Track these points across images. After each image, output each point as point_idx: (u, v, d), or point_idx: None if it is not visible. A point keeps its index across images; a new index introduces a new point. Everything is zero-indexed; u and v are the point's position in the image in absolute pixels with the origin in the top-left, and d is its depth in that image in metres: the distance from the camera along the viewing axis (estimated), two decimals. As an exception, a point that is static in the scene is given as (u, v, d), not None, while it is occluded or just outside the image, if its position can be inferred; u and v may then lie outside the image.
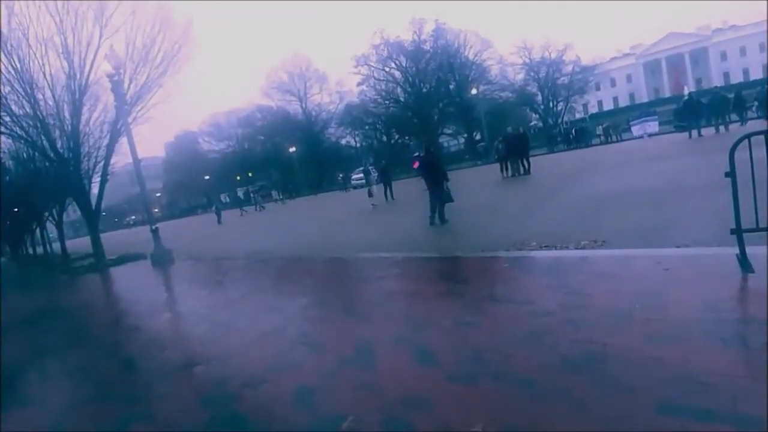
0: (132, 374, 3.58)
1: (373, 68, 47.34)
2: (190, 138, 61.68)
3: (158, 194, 63.20)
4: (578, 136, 30.43)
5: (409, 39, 45.66)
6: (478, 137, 41.89)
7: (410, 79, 46.80)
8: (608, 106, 58.86)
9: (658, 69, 59.42)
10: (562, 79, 46.40)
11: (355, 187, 32.48)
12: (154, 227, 11.04)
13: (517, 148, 14.95)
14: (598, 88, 56.55)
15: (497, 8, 79.21)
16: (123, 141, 12.55)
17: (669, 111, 25.47)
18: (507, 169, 15.16)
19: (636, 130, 26.26)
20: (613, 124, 29.19)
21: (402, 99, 47.71)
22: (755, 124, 14.78)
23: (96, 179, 13.91)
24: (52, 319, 6.75)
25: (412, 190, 13.97)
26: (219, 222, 23.36)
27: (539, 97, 47.10)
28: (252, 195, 38.00)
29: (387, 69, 47.27)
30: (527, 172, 14.86)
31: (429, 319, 3.35)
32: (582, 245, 4.72)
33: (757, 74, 49.32)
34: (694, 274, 3.23)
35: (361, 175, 32.02)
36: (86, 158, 13.65)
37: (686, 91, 25.33)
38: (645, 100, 54.26)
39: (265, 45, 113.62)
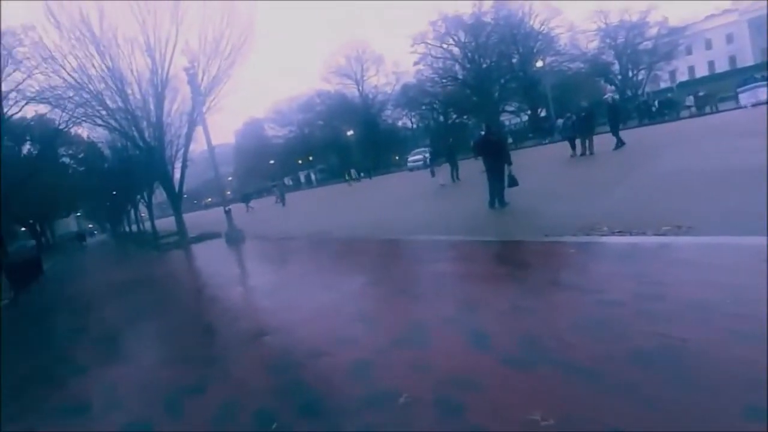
0: (211, 336, 4.05)
1: (430, 46, 46.08)
2: (256, 125, 65.27)
3: (230, 178, 68.07)
4: (662, 108, 27.22)
5: (469, 12, 43.57)
6: (543, 114, 39.25)
7: (469, 54, 44.80)
8: (702, 72, 51.57)
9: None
10: (644, 44, 41.34)
11: (411, 170, 32.19)
12: (227, 209, 12.00)
13: (588, 125, 13.84)
14: (689, 52, 49.64)
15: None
16: (198, 129, 13.75)
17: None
18: (577, 146, 14.10)
19: (745, 98, 22.04)
20: (710, 92, 25.52)
21: (460, 76, 45.96)
22: None
23: (177, 165, 15.46)
24: (150, 288, 7.75)
25: (475, 170, 13.52)
26: (283, 204, 24.65)
27: (616, 66, 42.61)
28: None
29: (445, 45, 45.71)
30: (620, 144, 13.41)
31: (484, 304, 3.29)
32: (663, 231, 4.26)
33: None
34: (802, 265, 2.78)
35: (419, 156, 31.78)
36: (169, 146, 15.20)
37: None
38: (750, 63, 46.74)
39: (323, 31, 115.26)
